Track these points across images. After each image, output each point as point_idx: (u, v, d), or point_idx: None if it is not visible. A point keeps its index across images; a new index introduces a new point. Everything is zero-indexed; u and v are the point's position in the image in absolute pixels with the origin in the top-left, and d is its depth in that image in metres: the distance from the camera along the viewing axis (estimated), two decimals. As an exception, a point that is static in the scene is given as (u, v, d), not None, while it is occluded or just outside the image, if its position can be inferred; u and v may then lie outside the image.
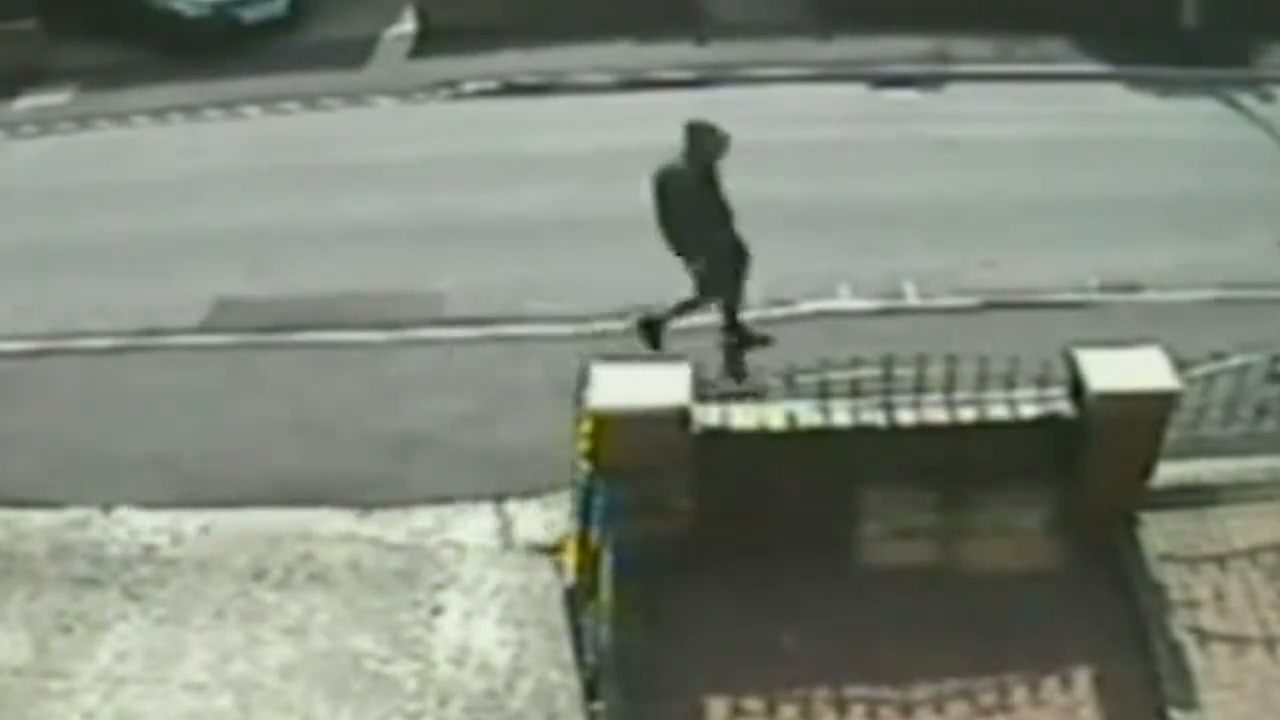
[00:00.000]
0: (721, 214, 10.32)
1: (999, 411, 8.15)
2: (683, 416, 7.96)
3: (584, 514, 7.28)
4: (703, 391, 8.04)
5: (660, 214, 10.43)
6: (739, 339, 10.75)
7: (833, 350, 8.64)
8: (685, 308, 10.73)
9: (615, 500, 7.58)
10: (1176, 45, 17.31)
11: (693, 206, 10.29)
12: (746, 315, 11.59)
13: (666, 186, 10.38)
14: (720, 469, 8.04)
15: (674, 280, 12.46)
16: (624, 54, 18.42)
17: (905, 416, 8.14)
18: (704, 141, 10.27)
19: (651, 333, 10.80)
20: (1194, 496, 8.73)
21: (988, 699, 7.52)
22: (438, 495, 9.60)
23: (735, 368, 10.27)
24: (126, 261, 13.59)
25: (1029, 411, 8.17)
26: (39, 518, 9.55)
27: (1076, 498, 8.24)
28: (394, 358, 11.57)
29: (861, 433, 8.11)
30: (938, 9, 17.82)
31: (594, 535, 7.33)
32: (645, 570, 7.84)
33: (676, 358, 8.32)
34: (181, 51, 19.59)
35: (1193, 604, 8.01)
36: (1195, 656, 7.66)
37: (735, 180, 14.24)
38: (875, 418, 8.14)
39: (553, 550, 8.65)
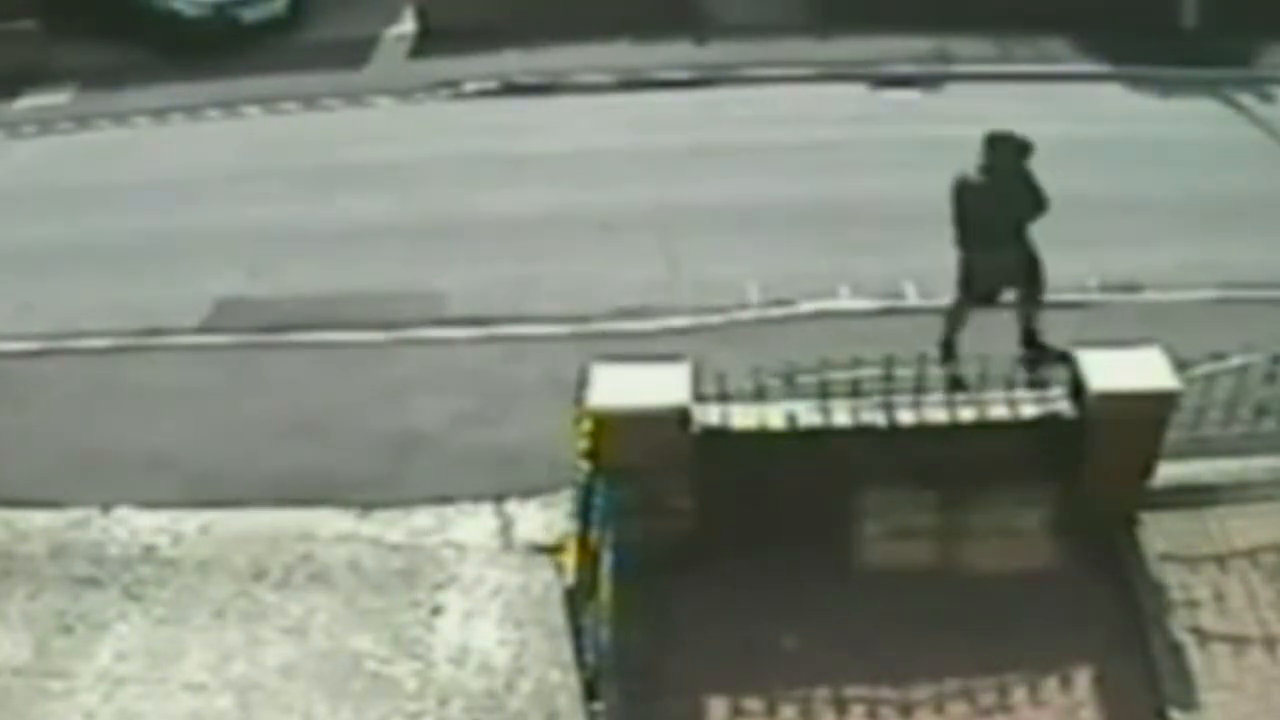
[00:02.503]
0: (1010, 230, 10.19)
1: (999, 411, 8.16)
2: (683, 416, 7.97)
3: (584, 514, 7.28)
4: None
5: (955, 221, 10.31)
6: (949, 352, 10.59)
7: (833, 350, 8.63)
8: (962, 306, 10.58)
9: (615, 500, 7.58)
10: (1176, 45, 17.31)
11: (989, 217, 10.16)
12: (747, 315, 11.64)
13: (962, 198, 10.24)
14: (720, 469, 8.04)
15: (674, 280, 12.50)
16: (624, 54, 18.41)
17: (905, 416, 8.15)
18: (1003, 152, 10.09)
19: (950, 352, 10.60)
20: (1194, 496, 8.73)
21: (988, 699, 7.52)
22: (438, 495, 9.60)
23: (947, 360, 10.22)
24: (126, 261, 13.59)
25: (1029, 411, 8.17)
26: (39, 518, 9.56)
27: (1076, 498, 8.24)
28: (394, 358, 11.57)
29: (861, 433, 8.11)
30: (938, 9, 17.82)
31: (594, 535, 7.33)
32: (645, 570, 7.84)
33: (676, 358, 8.31)
34: (181, 51, 19.57)
35: (1193, 604, 8.02)
36: (1195, 656, 7.67)
37: (736, 180, 14.36)
38: (875, 418, 8.14)
39: (553, 550, 8.65)
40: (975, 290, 10.51)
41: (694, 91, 17.41)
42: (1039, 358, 10.27)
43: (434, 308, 12.29)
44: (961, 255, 10.42)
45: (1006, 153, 10.09)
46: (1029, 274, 10.40)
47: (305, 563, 9.02)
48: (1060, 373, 8.42)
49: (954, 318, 10.63)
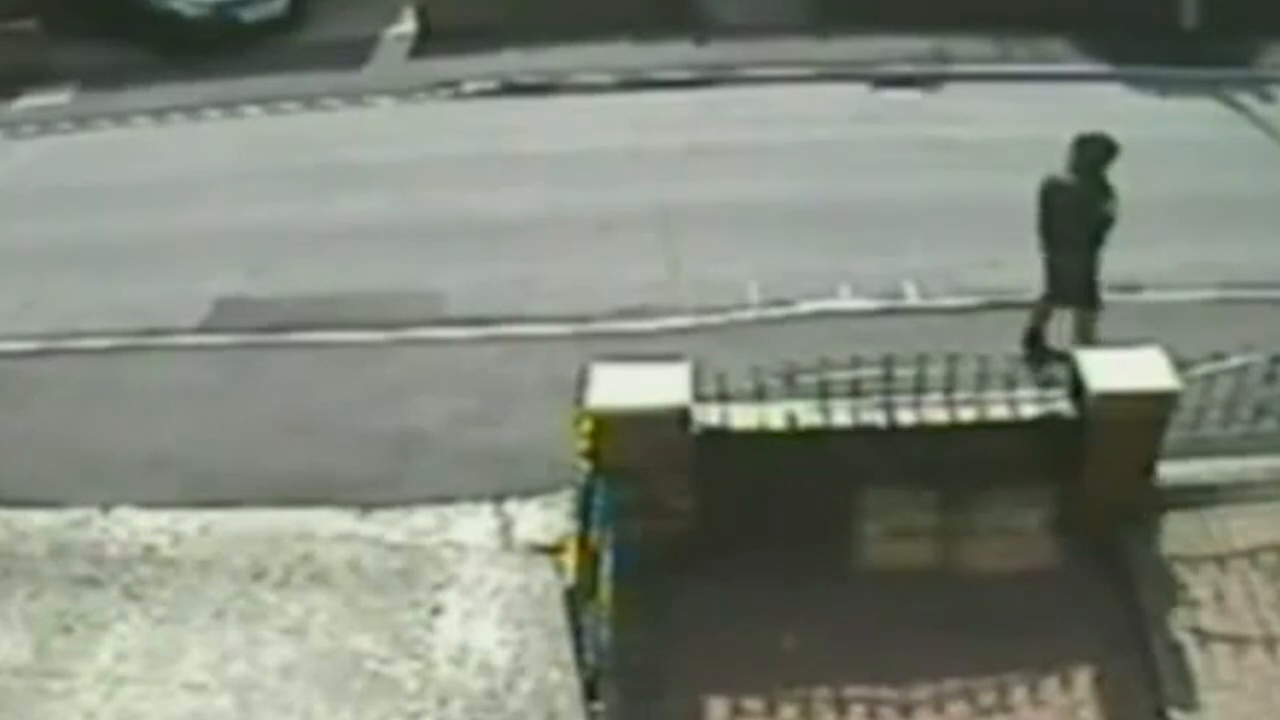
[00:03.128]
0: (1090, 235, 10.10)
1: (999, 411, 8.15)
2: (683, 416, 7.97)
3: (584, 514, 7.28)
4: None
5: (1041, 223, 10.24)
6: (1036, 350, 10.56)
7: (833, 350, 8.63)
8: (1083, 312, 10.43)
9: (615, 500, 7.58)
10: (1176, 45, 17.32)
11: (1074, 220, 10.08)
12: (747, 315, 11.66)
13: (1050, 199, 10.17)
14: (720, 469, 8.04)
15: (674, 280, 12.50)
16: (624, 54, 18.42)
17: (905, 416, 8.14)
18: (1093, 153, 10.03)
19: (1038, 346, 10.61)
20: (1194, 496, 8.73)
21: (988, 699, 7.52)
22: (438, 495, 9.60)
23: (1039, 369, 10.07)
24: (126, 261, 13.60)
25: (1029, 411, 8.17)
26: (39, 518, 9.56)
27: (1076, 498, 8.23)
28: (394, 358, 11.57)
29: (861, 433, 8.11)
30: (938, 9, 17.82)
31: (594, 535, 7.33)
32: (645, 570, 7.84)
33: (676, 358, 8.31)
34: (181, 51, 19.59)
35: (1193, 604, 8.01)
36: (1195, 656, 7.66)
37: (736, 180, 14.37)
38: (875, 418, 8.14)
39: (553, 550, 8.64)
40: (1071, 292, 10.39)
41: (694, 91, 17.42)
42: (1041, 358, 10.27)
43: (434, 308, 12.29)
44: (1046, 257, 10.34)
45: (1094, 154, 10.02)
46: (1083, 281, 10.29)
47: (305, 563, 9.02)
48: (1061, 371, 8.41)
49: (1082, 329, 10.42)
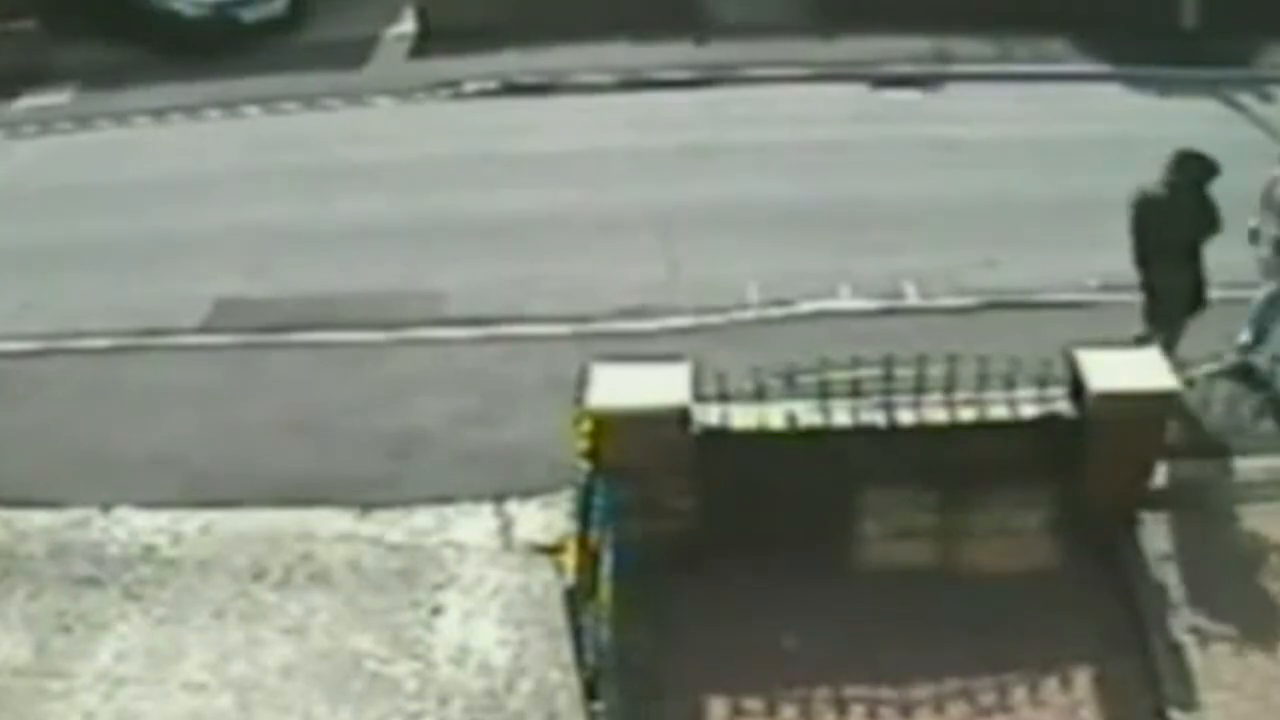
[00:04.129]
0: (1187, 249, 9.91)
1: (999, 411, 8.16)
2: (683, 416, 7.97)
3: (584, 514, 7.28)
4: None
5: (1134, 239, 10.09)
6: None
7: (833, 350, 8.63)
8: (1167, 336, 10.06)
9: (615, 500, 7.58)
10: (1176, 45, 17.31)
11: (1163, 233, 9.94)
12: (747, 315, 11.65)
13: (1140, 210, 10.03)
14: (720, 469, 8.04)
15: (674, 280, 12.50)
16: (624, 54, 18.42)
17: (905, 416, 8.15)
18: (1191, 169, 9.86)
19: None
20: (1194, 496, 8.74)
21: (988, 699, 7.52)
22: (438, 495, 9.60)
23: None
24: (126, 261, 13.59)
25: (1029, 411, 8.17)
26: (39, 518, 9.56)
27: (1076, 498, 8.24)
28: (394, 358, 11.57)
29: (861, 433, 8.11)
30: (938, 9, 17.82)
31: (594, 535, 7.33)
32: (645, 570, 7.84)
33: (676, 358, 8.31)
34: (181, 51, 19.59)
35: (1193, 604, 8.02)
36: (1195, 656, 7.67)
37: (736, 180, 14.36)
38: (875, 418, 8.15)
39: (553, 550, 8.64)
40: (1163, 309, 10.17)
41: (694, 91, 17.41)
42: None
43: (434, 308, 12.29)
44: (1140, 273, 10.18)
45: (1192, 170, 9.87)
46: (1186, 296, 10.06)
47: (305, 563, 9.02)
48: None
49: (1166, 346, 9.98)
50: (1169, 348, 9.99)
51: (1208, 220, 9.81)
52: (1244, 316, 10.35)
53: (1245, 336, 10.20)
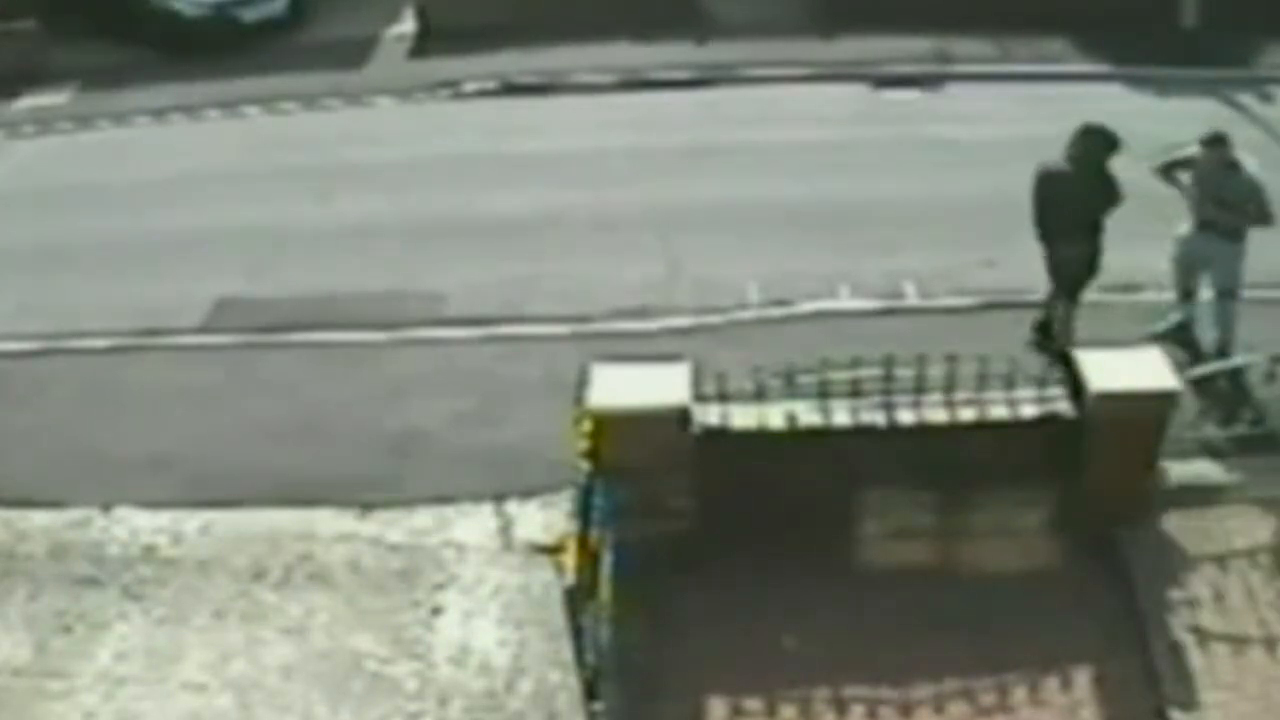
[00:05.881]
0: (1088, 224, 10.18)
1: (999, 411, 8.16)
2: (683, 416, 7.97)
3: (584, 514, 7.28)
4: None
5: (1037, 212, 10.32)
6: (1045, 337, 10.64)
7: (833, 350, 8.63)
8: (1064, 305, 10.58)
9: (615, 500, 7.58)
10: (1176, 45, 17.31)
11: (1065, 208, 10.17)
12: (747, 315, 11.66)
13: (1043, 186, 10.24)
14: (720, 469, 8.04)
15: (674, 280, 12.50)
16: (624, 54, 18.43)
17: (905, 416, 8.15)
18: (1094, 144, 10.08)
19: (1048, 339, 10.62)
20: (1194, 496, 8.74)
21: (988, 699, 7.52)
22: (438, 495, 9.60)
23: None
24: (126, 261, 13.59)
25: (1029, 411, 8.17)
26: (39, 518, 9.55)
27: (1076, 498, 8.24)
28: (394, 358, 11.57)
29: (861, 433, 8.11)
30: (938, 9, 17.83)
31: (594, 535, 7.33)
32: (645, 570, 7.83)
33: (676, 358, 8.31)
34: (181, 51, 19.61)
35: (1193, 604, 8.02)
36: (1195, 656, 7.66)
37: (736, 180, 14.36)
38: (875, 418, 8.15)
39: (553, 550, 8.65)
40: (1063, 283, 10.46)
41: (694, 91, 17.42)
42: (1044, 348, 10.28)
43: (434, 308, 12.29)
44: (1043, 248, 10.41)
45: (1094, 145, 10.07)
46: (1084, 268, 10.37)
47: (305, 563, 9.02)
48: (1055, 371, 8.41)
49: (1062, 322, 10.52)
50: (1067, 322, 10.31)
51: (1109, 195, 10.04)
52: (1245, 317, 10.35)
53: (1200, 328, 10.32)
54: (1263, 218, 9.92)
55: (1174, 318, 10.41)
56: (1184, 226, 10.33)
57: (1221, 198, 9.96)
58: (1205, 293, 10.50)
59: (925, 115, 16.27)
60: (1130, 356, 8.25)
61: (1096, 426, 8.04)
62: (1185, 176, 10.19)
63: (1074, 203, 10.11)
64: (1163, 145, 10.33)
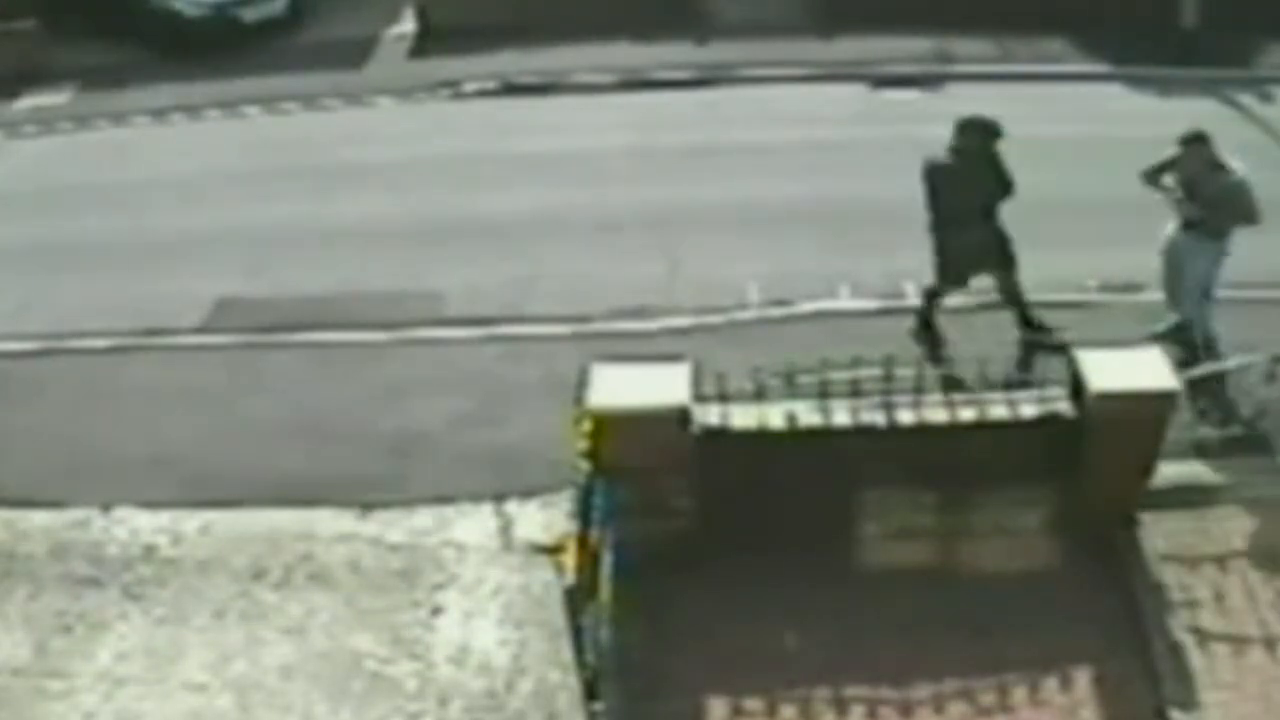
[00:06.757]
0: (982, 211, 10.49)
1: (999, 411, 8.16)
2: (683, 416, 7.96)
3: (584, 514, 7.28)
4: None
5: (928, 204, 10.60)
6: (926, 323, 10.98)
7: (833, 350, 8.63)
8: (933, 294, 10.94)
9: (615, 500, 7.58)
10: (1176, 45, 17.31)
11: (954, 198, 10.45)
12: (747, 315, 11.66)
13: (932, 179, 10.53)
14: (720, 469, 8.04)
15: (674, 280, 12.50)
16: (624, 54, 18.42)
17: (905, 416, 8.15)
18: (972, 135, 10.40)
19: (928, 329, 10.99)
20: (1194, 496, 8.74)
21: (988, 699, 7.52)
22: (438, 495, 9.60)
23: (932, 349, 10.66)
24: (126, 261, 13.59)
25: (1029, 411, 8.17)
26: (39, 518, 9.56)
27: (1076, 498, 8.24)
28: (394, 358, 11.57)
29: (861, 433, 8.11)
30: (938, 9, 17.82)
31: (594, 535, 7.33)
32: (645, 570, 7.83)
33: (676, 358, 8.31)
34: (181, 51, 19.59)
35: (1193, 604, 8.02)
36: (1195, 656, 7.67)
37: (736, 180, 14.36)
38: (875, 418, 8.14)
39: (553, 550, 8.65)
40: (949, 273, 10.73)
41: (694, 91, 17.41)
42: (1037, 341, 10.35)
43: (434, 308, 12.29)
44: (933, 237, 10.64)
45: (975, 135, 10.35)
46: (1000, 254, 10.60)
47: (305, 563, 9.02)
48: (1056, 364, 8.44)
49: (929, 299, 10.86)
50: (933, 296, 10.81)
51: (1000, 182, 10.35)
52: (1244, 317, 10.34)
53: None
54: (1247, 216, 9.91)
55: (1173, 318, 10.41)
56: (1170, 225, 10.33)
57: (1205, 197, 9.95)
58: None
59: (925, 115, 16.21)
60: (1130, 356, 8.24)
61: (1096, 426, 8.04)
62: (1169, 179, 10.17)
63: (964, 193, 10.38)
64: (1162, 146, 10.30)
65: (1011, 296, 10.78)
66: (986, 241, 10.53)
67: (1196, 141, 9.94)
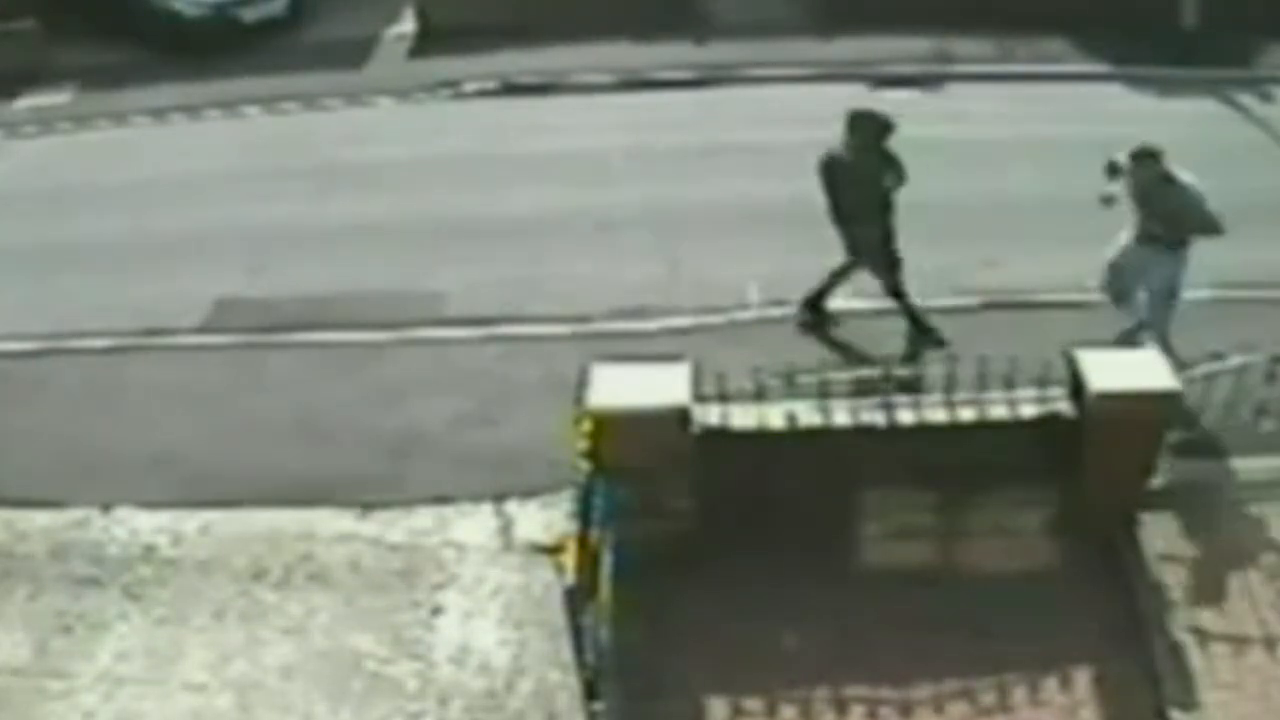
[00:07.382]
0: (878, 205, 10.75)
1: (999, 411, 8.15)
2: (683, 416, 7.97)
3: (584, 514, 7.28)
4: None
5: (828, 200, 10.91)
6: (907, 311, 11.10)
7: (832, 350, 8.63)
8: (895, 293, 11.12)
9: (615, 500, 7.58)
10: (1176, 45, 17.31)
11: (853, 192, 10.74)
12: (747, 315, 11.66)
13: (829, 173, 10.80)
14: (720, 469, 8.04)
15: (674, 280, 12.51)
16: (624, 54, 18.42)
17: (905, 416, 8.15)
18: (865, 130, 10.63)
19: (817, 311, 11.33)
20: (1194, 496, 8.74)
21: (988, 699, 7.52)
22: (438, 495, 9.60)
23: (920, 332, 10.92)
24: (126, 261, 13.58)
25: (1029, 411, 8.17)
26: (39, 518, 9.56)
27: (1076, 498, 8.24)
28: (394, 358, 11.57)
29: (861, 433, 8.11)
30: (938, 9, 17.82)
31: (594, 535, 7.33)
32: (645, 570, 7.84)
33: (676, 358, 8.31)
34: (181, 51, 19.58)
35: (1193, 604, 8.02)
36: (1195, 656, 7.67)
37: (736, 180, 14.36)
38: (875, 418, 8.15)
39: (553, 550, 8.65)
40: (879, 262, 10.99)
41: (694, 91, 17.41)
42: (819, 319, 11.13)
43: (433, 308, 12.29)
44: (839, 231, 11.00)
45: (868, 129, 10.63)
46: (880, 247, 10.91)
47: (305, 563, 9.02)
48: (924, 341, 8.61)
49: (896, 298, 11.03)
50: (897, 295, 11.03)
51: (894, 174, 10.66)
52: (1242, 317, 10.34)
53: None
54: (1207, 228, 9.88)
55: (1126, 324, 10.38)
56: (1124, 234, 10.30)
57: (1163, 212, 9.94)
58: (1141, 295, 10.44)
59: (925, 115, 16.21)
60: (1130, 356, 8.25)
61: (1096, 426, 8.04)
62: (1118, 186, 10.15)
63: (860, 186, 10.65)
64: (1161, 146, 10.29)
65: (894, 293, 11.05)
66: (876, 234, 10.81)
67: (1148, 157, 9.94)
